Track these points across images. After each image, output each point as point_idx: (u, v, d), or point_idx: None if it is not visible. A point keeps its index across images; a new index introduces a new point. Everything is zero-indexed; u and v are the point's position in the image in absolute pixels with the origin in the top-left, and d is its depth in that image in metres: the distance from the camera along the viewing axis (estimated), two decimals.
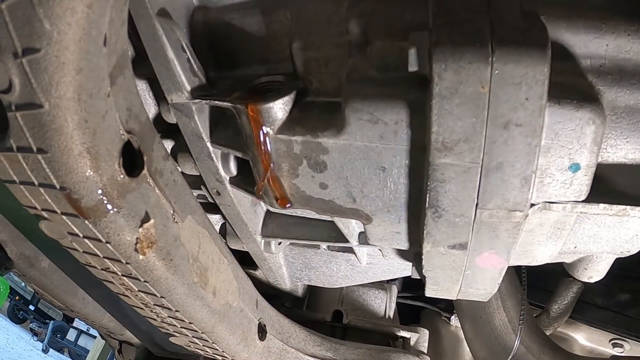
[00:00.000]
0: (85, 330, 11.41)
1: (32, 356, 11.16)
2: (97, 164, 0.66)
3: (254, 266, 1.29)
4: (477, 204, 0.79)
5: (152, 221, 0.80)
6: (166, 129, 1.14)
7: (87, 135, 0.64)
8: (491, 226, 0.83)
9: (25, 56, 0.56)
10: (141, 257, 0.80)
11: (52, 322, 11.53)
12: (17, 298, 11.36)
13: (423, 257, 0.90)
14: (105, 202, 0.69)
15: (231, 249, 1.29)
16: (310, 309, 1.42)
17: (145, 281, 0.87)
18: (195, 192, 1.24)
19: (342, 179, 0.86)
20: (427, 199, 0.80)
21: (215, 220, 1.32)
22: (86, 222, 0.70)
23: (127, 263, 0.82)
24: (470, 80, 0.68)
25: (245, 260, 1.28)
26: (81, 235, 0.75)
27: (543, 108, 0.70)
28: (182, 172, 1.18)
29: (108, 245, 0.76)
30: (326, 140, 0.82)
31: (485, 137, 0.72)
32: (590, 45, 0.80)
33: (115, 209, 0.71)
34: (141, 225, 0.78)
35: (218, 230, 1.31)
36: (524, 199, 0.78)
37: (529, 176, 0.76)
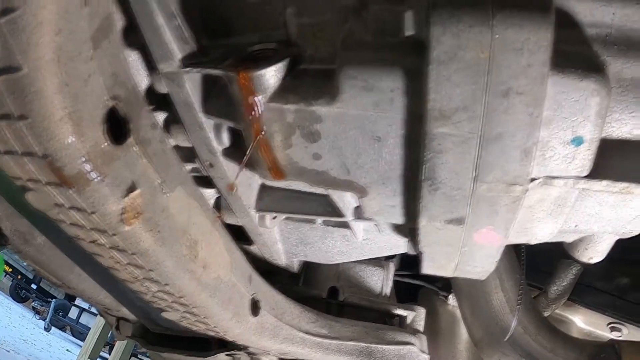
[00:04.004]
0: (87, 308, 11.51)
1: (35, 334, 11.29)
2: (79, 130, 0.64)
3: (249, 241, 1.27)
4: (475, 177, 0.77)
5: (138, 191, 0.78)
6: (159, 100, 1.11)
7: (68, 99, 0.62)
8: (489, 200, 0.80)
9: (3, 16, 0.54)
10: (127, 227, 0.79)
11: (54, 300, 11.65)
12: (19, 277, 11.45)
13: (419, 232, 0.88)
14: (89, 170, 0.67)
15: (226, 224, 1.28)
16: (306, 285, 1.41)
17: (132, 253, 0.85)
18: (190, 165, 1.22)
19: (336, 149, 0.83)
20: (424, 171, 0.77)
21: (211, 194, 1.30)
22: (70, 191, 0.69)
23: (113, 234, 0.80)
24: (470, 45, 0.65)
25: (240, 235, 1.26)
26: (67, 205, 0.74)
27: (546, 76, 0.67)
28: (176, 145, 1.16)
29: (93, 215, 0.74)
30: (319, 108, 0.79)
31: (484, 105, 0.69)
32: (597, 13, 0.77)
33: (99, 178, 0.69)
34: (127, 195, 0.76)
35: (213, 205, 1.29)
36: (524, 172, 0.76)
37: (530, 148, 0.73)
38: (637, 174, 0.84)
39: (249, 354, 1.36)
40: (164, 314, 1.22)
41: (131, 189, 0.77)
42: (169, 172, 0.88)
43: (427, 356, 1.30)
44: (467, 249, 0.90)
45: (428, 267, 0.98)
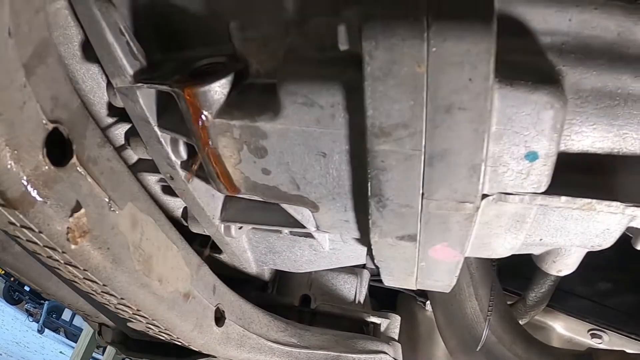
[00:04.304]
0: None
1: (28, 337, 11.33)
2: (18, 156, 0.65)
3: (219, 250, 1.25)
4: (423, 194, 0.74)
5: (82, 210, 0.79)
6: (120, 113, 1.10)
7: (4, 127, 0.63)
8: (441, 218, 0.77)
9: None
10: (73, 246, 0.79)
11: (47, 302, 11.49)
12: (12, 279, 11.38)
13: (372, 247, 0.85)
14: (31, 192, 0.69)
15: (195, 233, 1.26)
16: (279, 294, 1.39)
17: (84, 269, 0.86)
18: (156, 176, 1.20)
19: (283, 164, 0.80)
20: (370, 188, 0.74)
21: (179, 204, 1.28)
22: (16, 212, 0.70)
23: (63, 252, 0.81)
24: (405, 59, 0.61)
25: (210, 243, 1.24)
26: (18, 224, 0.75)
27: (489, 90, 0.63)
28: (140, 158, 1.15)
29: (42, 235, 0.75)
30: (263, 124, 0.76)
31: (426, 122, 0.66)
32: (551, 20, 0.72)
33: (42, 199, 0.70)
34: (71, 215, 0.76)
35: (181, 214, 1.27)
36: (473, 189, 0.72)
37: (478, 165, 0.70)
38: (600, 188, 0.80)
39: None
40: (129, 325, 1.21)
41: (76, 208, 0.78)
42: (118, 189, 0.87)
43: None
44: (424, 264, 0.87)
45: (388, 280, 0.95)
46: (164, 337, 1.15)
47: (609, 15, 0.74)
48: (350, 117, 0.71)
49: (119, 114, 1.12)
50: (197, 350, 1.18)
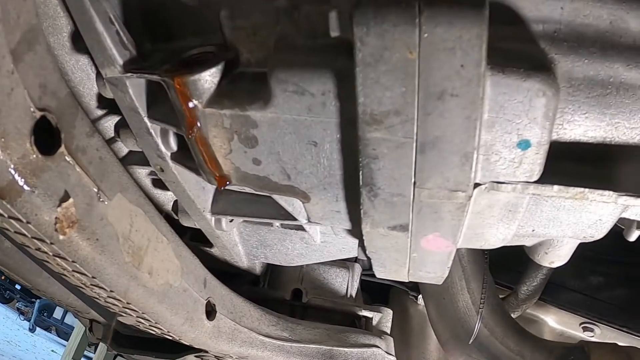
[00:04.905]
0: None
1: (19, 335, 11.17)
2: (5, 143, 0.64)
3: (210, 244, 1.24)
4: (414, 183, 0.73)
5: (71, 200, 0.78)
6: (110, 104, 1.08)
7: None
8: (432, 207, 0.76)
9: None
10: (61, 237, 0.79)
11: (38, 300, 11.25)
12: (2, 278, 11.24)
13: (364, 238, 0.84)
14: (19, 181, 0.68)
15: (186, 226, 1.25)
16: (270, 287, 1.38)
17: (73, 261, 0.85)
18: (146, 169, 1.19)
19: (274, 154, 0.79)
20: (361, 177, 0.74)
21: (169, 196, 1.27)
22: (4, 202, 0.68)
23: (51, 243, 0.80)
24: (396, 45, 0.61)
25: (201, 237, 1.23)
26: (6, 215, 0.74)
27: (482, 77, 0.63)
28: (130, 150, 1.14)
29: (30, 225, 0.74)
30: (254, 113, 0.75)
31: (417, 108, 0.65)
32: (543, 7, 0.72)
33: (29, 189, 0.69)
34: (59, 205, 0.75)
35: (171, 207, 1.26)
36: (465, 178, 0.72)
37: (470, 153, 0.69)
38: (592, 178, 0.79)
39: (215, 356, 1.34)
40: (120, 319, 1.20)
41: (64, 198, 0.77)
42: (107, 179, 0.86)
43: (392, 358, 1.27)
44: (416, 255, 0.87)
45: (380, 272, 0.95)
46: (154, 331, 1.14)
47: (601, 3, 0.74)
48: (341, 105, 0.70)
49: (109, 106, 1.11)
50: (188, 344, 1.17)
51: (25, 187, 0.68)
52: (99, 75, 0.99)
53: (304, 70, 0.69)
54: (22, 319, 11.82)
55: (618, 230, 0.96)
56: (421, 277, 0.95)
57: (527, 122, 0.71)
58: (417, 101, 0.65)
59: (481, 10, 0.60)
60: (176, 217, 1.23)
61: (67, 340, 6.10)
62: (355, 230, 0.93)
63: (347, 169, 0.78)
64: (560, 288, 1.64)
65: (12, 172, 0.66)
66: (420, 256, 0.87)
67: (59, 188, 0.75)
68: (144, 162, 1.09)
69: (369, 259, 0.91)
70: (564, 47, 0.74)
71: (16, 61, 0.64)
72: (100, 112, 1.12)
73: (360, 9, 0.60)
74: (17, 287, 11.55)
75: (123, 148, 1.14)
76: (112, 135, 1.12)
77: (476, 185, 0.76)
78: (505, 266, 1.48)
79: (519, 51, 0.71)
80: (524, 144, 0.73)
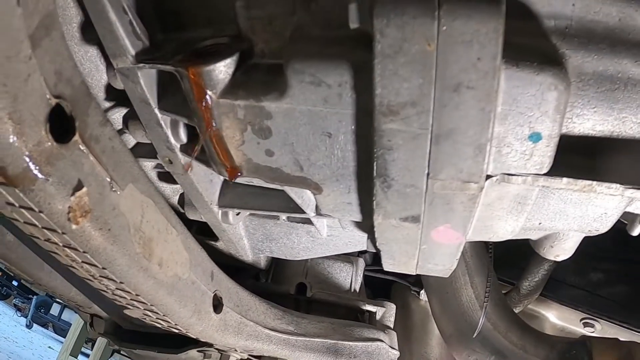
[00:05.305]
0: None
1: (16, 332, 11.07)
2: (21, 130, 0.64)
3: (215, 237, 1.25)
4: (428, 174, 0.74)
5: (84, 189, 0.78)
6: (118, 96, 1.08)
7: (7, 99, 0.61)
8: (445, 198, 0.78)
9: None
10: (74, 226, 0.78)
11: (35, 297, 11.33)
12: (0, 274, 11.22)
13: (375, 229, 0.85)
14: (33, 169, 0.67)
15: (191, 220, 1.25)
16: (275, 282, 1.39)
17: (84, 252, 0.85)
18: (153, 162, 1.19)
19: (287, 145, 0.80)
20: (375, 168, 0.75)
21: (175, 190, 1.28)
22: (16, 190, 0.68)
23: (63, 233, 0.80)
24: (415, 37, 0.62)
25: (206, 231, 1.24)
26: (17, 204, 0.73)
27: (497, 69, 0.64)
28: (138, 142, 1.14)
29: (42, 214, 0.74)
30: (269, 104, 0.76)
31: (434, 100, 0.67)
32: (555, 3, 0.73)
33: (44, 177, 0.68)
34: (73, 194, 0.75)
35: (177, 201, 1.27)
36: (478, 169, 0.73)
37: (484, 145, 0.70)
38: (599, 171, 0.81)
39: (218, 350, 1.34)
40: (126, 312, 1.20)
41: (78, 187, 0.76)
42: (119, 169, 0.86)
43: (396, 352, 1.28)
44: (426, 247, 0.88)
45: (388, 265, 0.96)
46: (161, 324, 1.14)
47: (611, 1, 0.76)
48: (357, 96, 0.71)
49: (117, 98, 1.11)
50: (194, 337, 1.17)
51: (40, 175, 0.68)
52: (109, 66, 0.99)
53: (321, 61, 0.70)
54: (19, 315, 11.73)
55: (619, 228, 0.97)
56: (429, 270, 0.96)
57: (539, 115, 0.72)
58: (434, 93, 0.66)
59: (498, 5, 0.62)
60: (182, 211, 1.23)
61: (64, 337, 6.06)
62: (365, 223, 0.94)
63: (361, 161, 0.79)
64: (562, 284, 1.66)
65: (27, 159, 0.65)
66: (430, 248, 0.88)
67: (73, 177, 0.74)
68: (151, 155, 1.09)
69: (378, 250, 0.93)
70: (575, 43, 0.75)
71: (34, 46, 0.63)
72: (108, 104, 1.12)
73: (381, 1, 0.61)
74: (14, 283, 11.47)
75: (131, 140, 1.14)
76: (120, 127, 1.12)
77: (488, 177, 0.77)
78: (507, 262, 1.50)
79: (532, 46, 0.72)
80: (535, 137, 0.75)
